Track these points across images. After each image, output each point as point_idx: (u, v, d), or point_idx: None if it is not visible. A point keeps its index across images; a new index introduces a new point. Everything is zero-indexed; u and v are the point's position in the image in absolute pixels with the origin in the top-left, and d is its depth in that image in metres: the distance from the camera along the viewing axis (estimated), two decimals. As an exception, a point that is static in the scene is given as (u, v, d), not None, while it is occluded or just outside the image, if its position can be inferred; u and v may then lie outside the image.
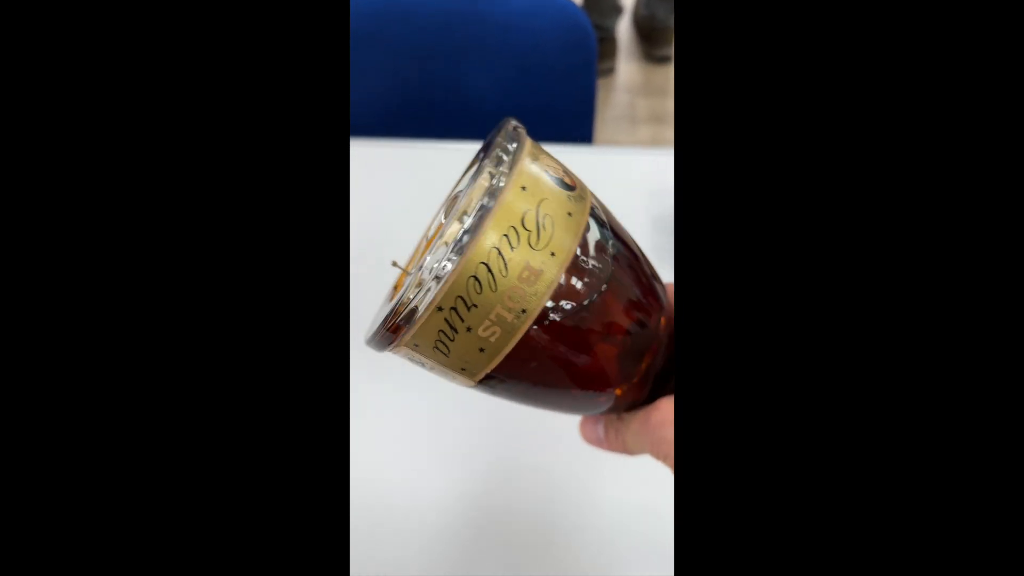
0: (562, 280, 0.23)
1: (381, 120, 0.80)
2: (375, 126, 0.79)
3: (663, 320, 0.27)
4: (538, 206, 0.23)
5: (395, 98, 0.79)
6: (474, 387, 0.26)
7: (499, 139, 0.24)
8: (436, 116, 0.79)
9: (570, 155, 0.67)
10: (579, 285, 0.23)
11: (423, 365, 0.26)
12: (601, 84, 1.83)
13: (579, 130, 0.80)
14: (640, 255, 0.27)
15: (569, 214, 0.23)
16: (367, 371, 0.54)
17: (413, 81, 0.78)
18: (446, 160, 0.73)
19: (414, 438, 0.52)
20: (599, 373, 0.26)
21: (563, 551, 0.47)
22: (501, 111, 0.83)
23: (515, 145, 0.24)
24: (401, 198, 0.67)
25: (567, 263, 0.23)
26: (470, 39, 0.75)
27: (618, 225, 0.27)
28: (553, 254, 0.22)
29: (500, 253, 0.22)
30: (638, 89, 1.82)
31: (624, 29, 1.93)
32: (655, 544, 0.45)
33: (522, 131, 0.26)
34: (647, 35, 1.86)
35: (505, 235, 0.22)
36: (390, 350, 0.25)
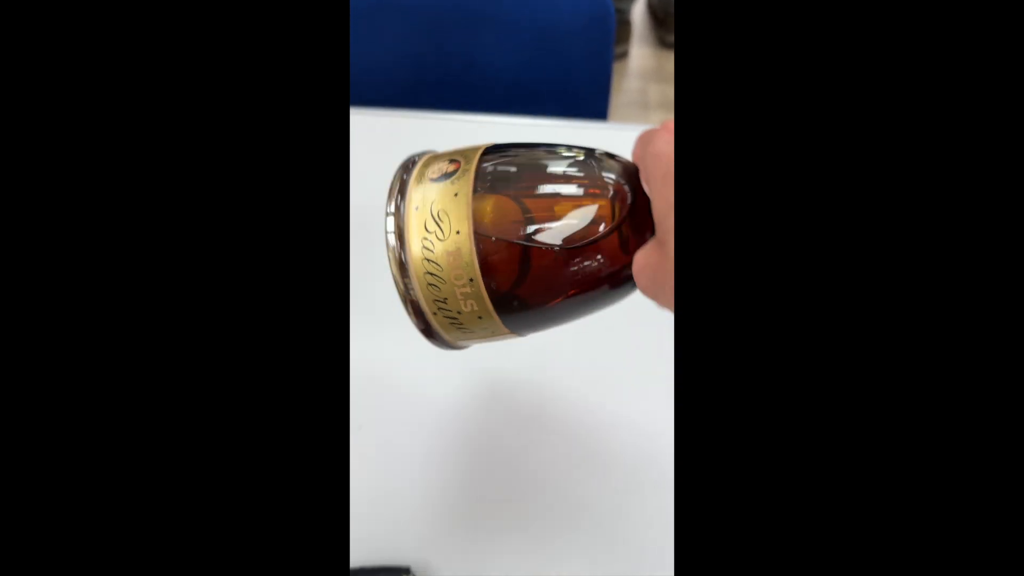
0: (476, 243, 0.27)
1: (395, 92, 0.80)
2: (389, 98, 0.79)
3: (602, 180, 0.29)
4: (430, 209, 0.28)
5: (410, 70, 0.79)
6: (518, 336, 0.31)
7: (394, 179, 0.31)
8: (451, 89, 0.79)
9: (584, 132, 0.67)
10: (497, 230, 0.27)
11: (482, 342, 0.33)
12: (614, 69, 1.81)
13: (594, 106, 0.80)
14: (548, 154, 0.30)
15: (455, 195, 0.28)
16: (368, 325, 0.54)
17: (429, 53, 0.78)
18: (461, 132, 0.72)
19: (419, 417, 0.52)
20: (574, 260, 0.28)
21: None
22: (517, 85, 0.82)
23: (405, 176, 0.30)
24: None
25: (471, 229, 0.27)
26: (487, 11, 0.74)
27: (523, 147, 0.30)
28: (458, 232, 0.27)
29: (427, 259, 0.28)
30: (651, 75, 1.81)
31: (638, 13, 1.91)
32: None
33: (414, 161, 0.31)
34: (662, 20, 1.84)
35: (423, 245, 0.28)
36: (451, 348, 0.32)
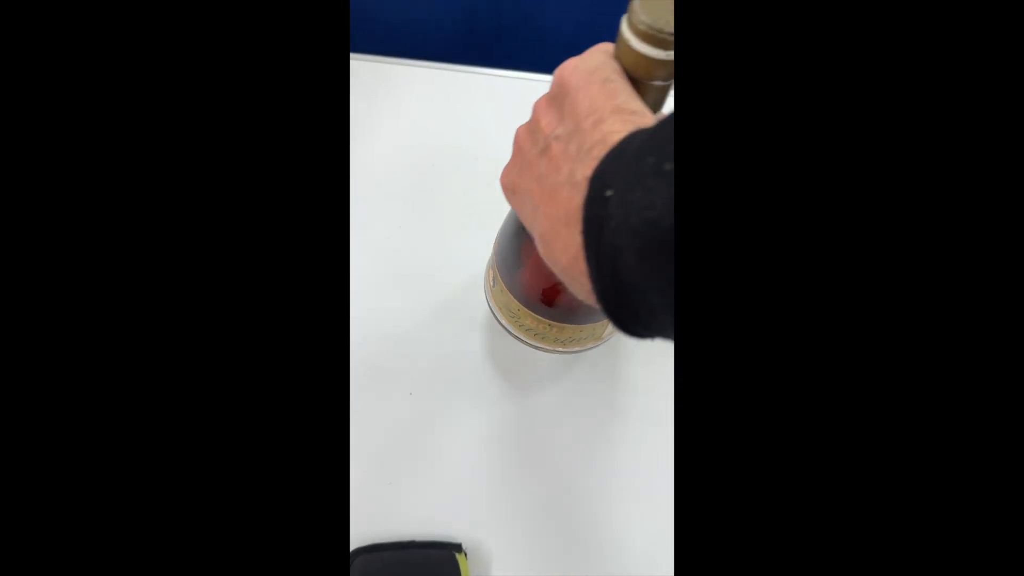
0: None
1: (444, 44, 0.75)
2: (438, 51, 0.74)
3: None
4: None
5: (461, 22, 0.74)
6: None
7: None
8: (504, 44, 0.74)
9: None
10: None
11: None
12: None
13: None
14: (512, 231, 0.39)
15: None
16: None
17: (481, 4, 0.73)
18: (511, 91, 0.68)
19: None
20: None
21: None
22: (577, 44, 0.77)
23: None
24: (463, 126, 0.63)
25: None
26: (548, -40, 0.69)
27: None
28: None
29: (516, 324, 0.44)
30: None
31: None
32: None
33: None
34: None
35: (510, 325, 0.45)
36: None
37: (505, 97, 0.64)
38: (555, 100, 0.28)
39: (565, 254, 0.26)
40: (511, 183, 0.31)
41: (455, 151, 0.60)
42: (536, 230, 0.28)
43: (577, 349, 0.43)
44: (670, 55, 0.25)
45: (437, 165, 0.59)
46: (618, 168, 0.23)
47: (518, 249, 0.38)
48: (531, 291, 0.39)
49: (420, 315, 0.51)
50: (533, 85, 0.64)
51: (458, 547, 0.42)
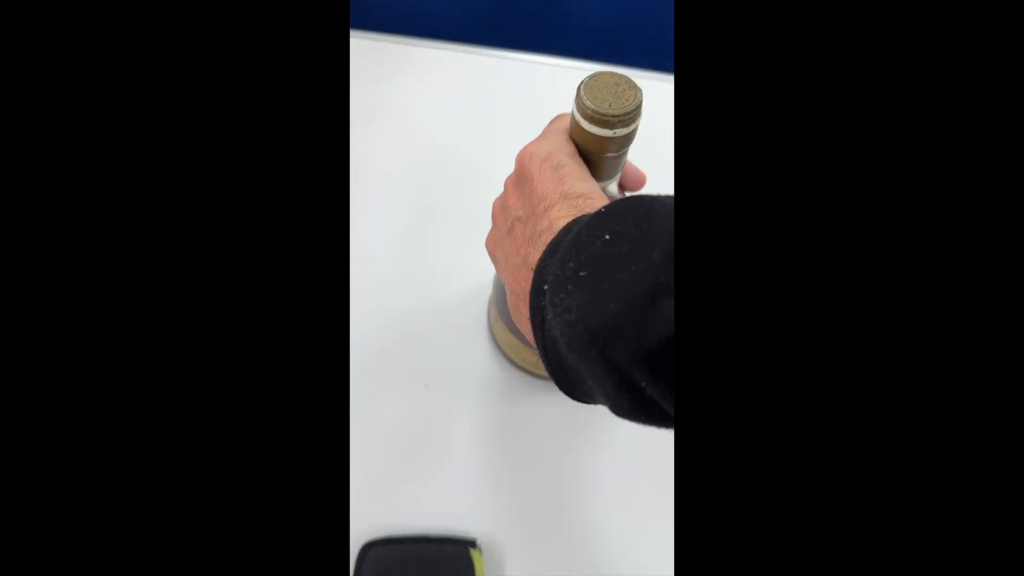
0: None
1: (468, 26, 0.74)
2: (461, 32, 0.72)
3: None
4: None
5: (485, 2, 0.72)
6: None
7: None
8: (530, 26, 0.72)
9: (670, 87, 0.60)
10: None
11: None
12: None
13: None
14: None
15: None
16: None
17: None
18: (538, 75, 0.67)
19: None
20: None
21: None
22: (605, 28, 0.75)
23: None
24: (488, 110, 0.61)
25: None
26: (576, -60, 0.67)
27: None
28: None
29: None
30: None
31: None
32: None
33: None
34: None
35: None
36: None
37: (526, 82, 0.63)
38: (519, 182, 0.31)
39: (525, 327, 0.28)
40: (491, 251, 0.34)
41: (471, 140, 0.59)
42: (508, 297, 0.30)
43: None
44: (617, 132, 0.28)
45: (449, 159, 0.58)
46: (549, 266, 0.25)
47: None
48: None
49: (437, 308, 0.51)
50: (558, 71, 0.63)
51: (473, 543, 0.42)
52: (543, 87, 0.62)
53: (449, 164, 0.58)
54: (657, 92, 0.52)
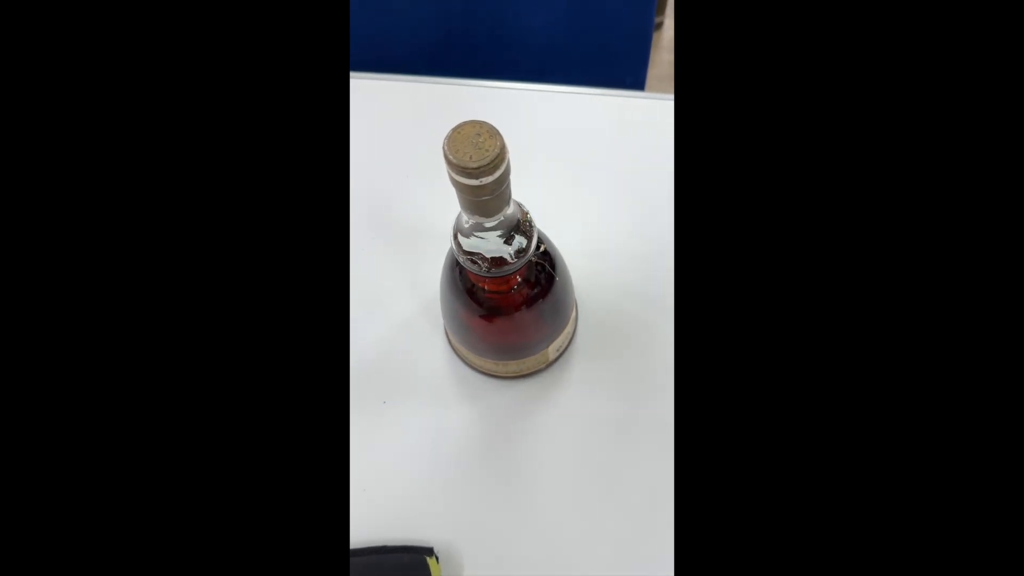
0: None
1: (420, 56, 0.76)
2: (414, 62, 0.74)
3: None
4: None
5: (436, 32, 0.75)
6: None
7: None
8: (480, 53, 0.74)
9: (620, 101, 0.62)
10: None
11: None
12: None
13: (631, 75, 0.75)
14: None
15: None
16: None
17: (456, 14, 0.73)
18: (489, 100, 0.68)
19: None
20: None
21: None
22: (550, 50, 0.77)
23: None
24: (440, 137, 0.63)
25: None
26: (520, -31, 0.69)
27: None
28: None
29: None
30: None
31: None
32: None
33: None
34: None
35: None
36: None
37: (481, 108, 0.65)
38: None
39: None
40: None
41: (427, 165, 0.60)
42: None
43: (528, 373, 0.49)
44: (482, 181, 0.30)
45: (407, 182, 0.60)
46: None
47: (451, 316, 0.46)
48: (472, 347, 0.47)
49: (388, 323, 0.51)
50: (503, 95, 0.65)
51: (429, 551, 0.42)
52: (496, 110, 0.64)
53: (403, 189, 0.59)
54: (602, 107, 0.54)
